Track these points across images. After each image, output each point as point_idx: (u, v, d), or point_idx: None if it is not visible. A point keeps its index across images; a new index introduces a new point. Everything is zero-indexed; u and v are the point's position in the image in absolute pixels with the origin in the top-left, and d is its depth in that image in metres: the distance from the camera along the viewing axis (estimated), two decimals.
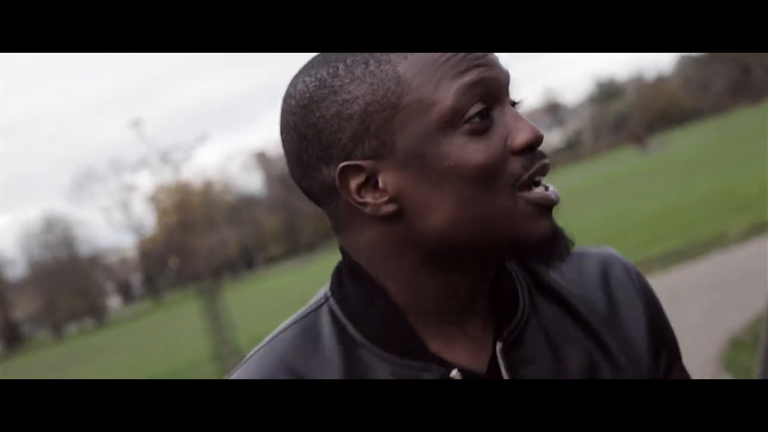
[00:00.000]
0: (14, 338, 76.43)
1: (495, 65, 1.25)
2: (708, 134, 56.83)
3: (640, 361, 1.37)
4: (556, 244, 1.25)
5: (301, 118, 1.25)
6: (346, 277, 1.30)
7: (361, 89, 1.22)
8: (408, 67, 1.22)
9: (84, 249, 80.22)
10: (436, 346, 1.28)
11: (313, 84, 1.24)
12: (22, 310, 77.76)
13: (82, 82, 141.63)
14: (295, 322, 1.31)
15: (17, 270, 79.78)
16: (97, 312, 78.95)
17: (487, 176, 1.20)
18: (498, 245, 1.24)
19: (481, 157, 1.20)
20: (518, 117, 1.24)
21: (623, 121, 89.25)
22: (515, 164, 1.22)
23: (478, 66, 1.22)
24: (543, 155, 1.24)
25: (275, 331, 1.31)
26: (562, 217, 1.30)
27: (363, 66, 1.23)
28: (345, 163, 1.23)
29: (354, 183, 1.23)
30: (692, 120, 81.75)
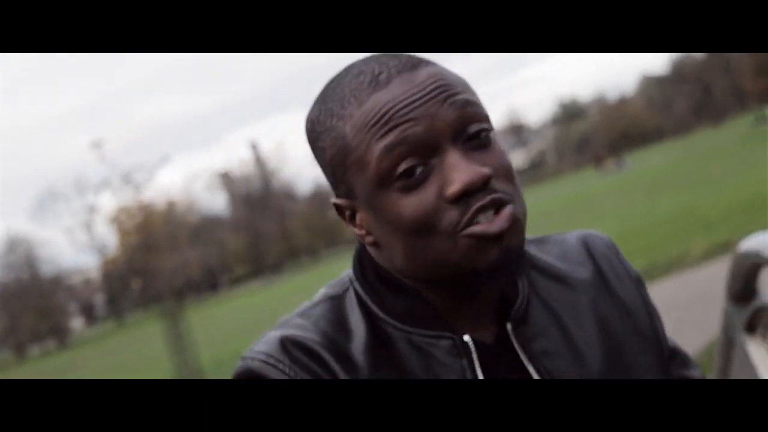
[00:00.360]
0: None
1: (430, 115, 1.28)
2: (670, 154, 57.29)
3: (637, 309, 1.49)
4: (507, 268, 1.31)
5: (312, 150, 1.40)
6: (367, 267, 1.40)
7: (327, 141, 1.33)
8: (351, 127, 1.30)
9: (47, 269, 79.64)
10: (447, 321, 1.37)
11: (309, 125, 1.37)
12: None
13: (43, 100, 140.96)
14: (324, 301, 1.40)
15: None
16: (60, 333, 78.36)
17: (422, 228, 1.28)
18: (453, 278, 1.32)
19: (412, 213, 1.27)
20: (455, 165, 1.27)
21: (586, 141, 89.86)
22: (452, 213, 1.27)
23: (403, 123, 1.27)
24: (489, 190, 1.28)
25: (305, 306, 1.40)
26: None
27: (330, 118, 1.33)
28: (333, 200, 1.38)
29: (346, 215, 1.38)
30: (655, 140, 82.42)
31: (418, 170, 1.27)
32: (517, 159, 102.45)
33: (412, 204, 1.27)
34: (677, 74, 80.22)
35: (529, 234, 1.42)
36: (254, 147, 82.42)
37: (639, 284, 1.52)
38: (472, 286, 1.35)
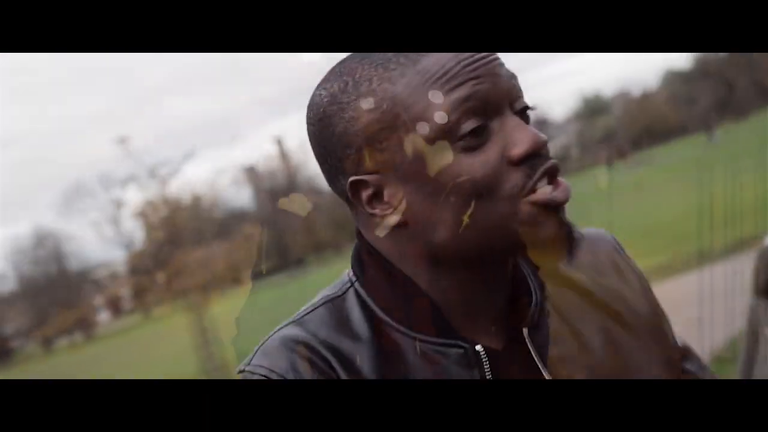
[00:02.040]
0: (3, 352, 76.18)
1: (493, 75, 1.23)
2: (694, 150, 56.94)
3: (642, 308, 1.43)
4: (562, 244, 1.27)
5: (319, 131, 1.29)
6: (370, 265, 1.33)
7: (364, 106, 1.24)
8: (404, 86, 1.23)
9: (74, 264, 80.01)
10: (458, 327, 1.30)
11: (326, 99, 1.28)
12: (11, 324, 77.47)
13: (70, 98, 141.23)
14: (322, 304, 1.33)
15: (7, 285, 79.49)
16: (86, 326, 78.79)
17: (485, 191, 1.21)
18: (504, 251, 1.26)
19: (477, 173, 1.20)
20: (517, 127, 1.23)
21: (610, 136, 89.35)
22: (516, 174, 1.22)
23: (472, 79, 1.22)
24: (547, 157, 1.24)
25: (301, 312, 1.33)
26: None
27: (367, 83, 1.25)
28: (353, 178, 1.27)
29: (365, 195, 1.27)
30: (678, 136, 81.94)
31: (482, 130, 1.21)
32: None
33: (475, 164, 1.20)
34: (701, 70, 79.74)
35: None
36: (279, 143, 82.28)
37: (643, 281, 1.47)
38: (498, 271, 1.30)
